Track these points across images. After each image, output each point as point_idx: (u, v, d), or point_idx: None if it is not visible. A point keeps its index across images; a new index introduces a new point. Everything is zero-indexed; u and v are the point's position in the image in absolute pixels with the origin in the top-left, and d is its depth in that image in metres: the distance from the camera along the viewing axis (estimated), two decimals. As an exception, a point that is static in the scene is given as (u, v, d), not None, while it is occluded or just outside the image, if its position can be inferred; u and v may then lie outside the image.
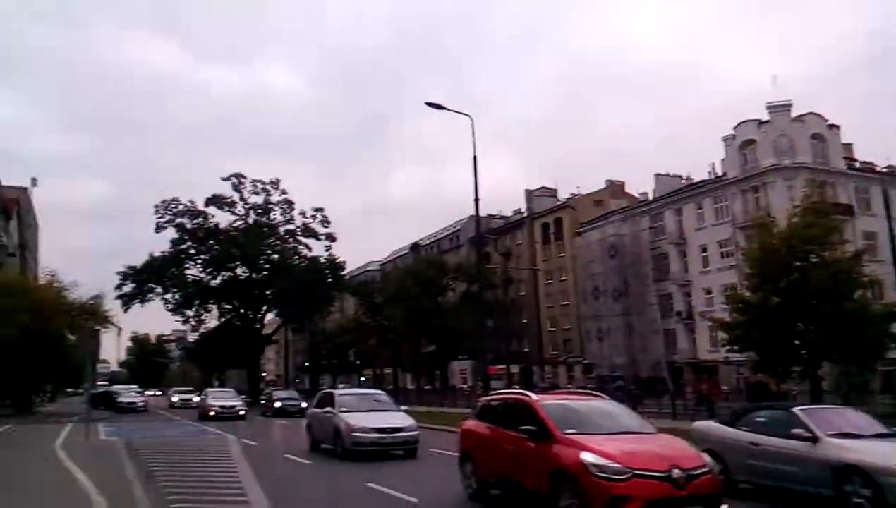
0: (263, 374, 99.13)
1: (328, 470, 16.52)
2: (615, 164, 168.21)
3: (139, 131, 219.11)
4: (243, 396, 45.89)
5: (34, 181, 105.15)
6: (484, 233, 34.69)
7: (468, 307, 69.10)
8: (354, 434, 17.83)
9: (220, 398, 40.96)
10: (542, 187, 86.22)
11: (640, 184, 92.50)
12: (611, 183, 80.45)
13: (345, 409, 19.00)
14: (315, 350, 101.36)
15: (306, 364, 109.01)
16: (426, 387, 74.27)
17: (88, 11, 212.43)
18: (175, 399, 61.09)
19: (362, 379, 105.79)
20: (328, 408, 19.52)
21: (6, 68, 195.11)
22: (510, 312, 78.14)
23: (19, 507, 10.88)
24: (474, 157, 27.04)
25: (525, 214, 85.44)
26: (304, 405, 38.57)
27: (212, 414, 37.25)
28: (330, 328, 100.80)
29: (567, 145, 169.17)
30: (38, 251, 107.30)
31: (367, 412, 18.95)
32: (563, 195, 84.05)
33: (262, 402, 45.54)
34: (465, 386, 71.47)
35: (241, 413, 38.54)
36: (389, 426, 18.25)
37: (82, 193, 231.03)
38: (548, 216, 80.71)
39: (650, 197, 70.01)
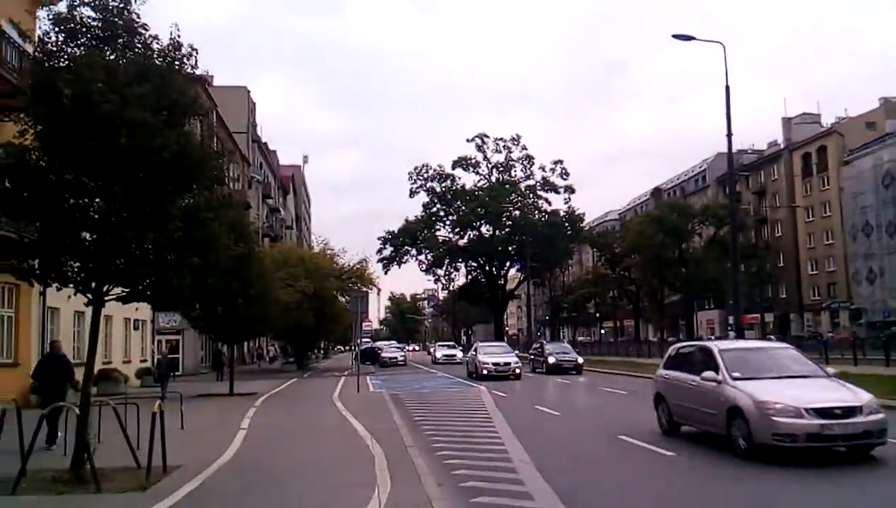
0: (506, 328, 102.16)
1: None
2: (892, 80, 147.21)
3: (388, 105, 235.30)
4: (516, 351, 39.01)
5: (306, 158, 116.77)
6: (736, 170, 32.23)
7: (716, 252, 65.38)
8: (776, 419, 10.13)
9: (494, 353, 34.54)
10: (803, 114, 77.77)
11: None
12: (885, 100, 69.82)
13: (740, 375, 11.33)
14: (555, 303, 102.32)
15: (546, 317, 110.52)
16: (669, 339, 71.68)
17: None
18: (439, 355, 57.11)
19: (602, 331, 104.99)
20: (707, 373, 11.76)
21: (280, 56, 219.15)
22: (765, 256, 72.43)
23: (314, 447, 12.38)
24: (727, 87, 25.30)
25: (782, 146, 77.96)
26: (580, 360, 36.63)
27: (485, 372, 32.13)
28: (569, 281, 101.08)
29: (830, 64, 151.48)
30: (311, 221, 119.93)
31: (780, 379, 11.23)
32: (826, 120, 75.46)
33: (532, 357, 39.93)
34: (712, 337, 67.80)
35: (518, 371, 32.59)
36: (836, 405, 10.33)
37: (343, 166, 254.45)
38: (809, 145, 72.65)
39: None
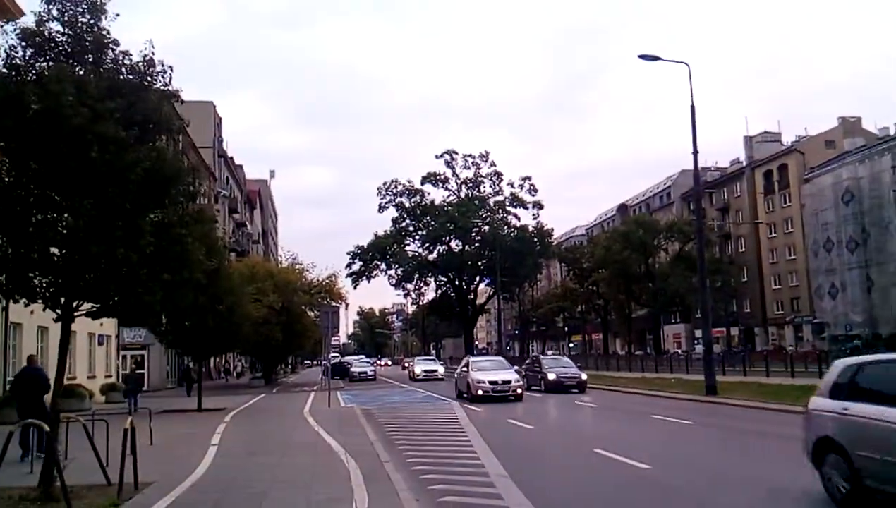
0: (476, 342, 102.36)
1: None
2: (849, 100, 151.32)
3: (357, 121, 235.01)
4: (515, 367, 32.18)
5: (272, 173, 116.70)
6: (701, 187, 32.71)
7: (682, 267, 66.41)
8: None
9: (489, 370, 28.42)
10: (764, 132, 79.56)
11: (881, 119, 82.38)
12: (843, 120, 72.04)
13: None
14: (524, 318, 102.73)
15: (516, 331, 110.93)
16: (637, 352, 72.39)
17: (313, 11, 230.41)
18: (418, 370, 49.61)
19: (571, 345, 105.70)
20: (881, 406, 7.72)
21: (248, 71, 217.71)
22: (729, 271, 73.66)
23: (287, 463, 12.24)
24: (692, 107, 25.89)
25: (744, 163, 79.57)
26: (583, 376, 31.63)
27: (480, 393, 26.59)
28: (538, 296, 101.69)
29: (790, 84, 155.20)
30: (278, 236, 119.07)
31: None
32: (787, 139, 77.28)
33: (526, 373, 33.39)
34: (679, 351, 68.66)
35: (519, 391, 27.26)
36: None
37: (310, 181, 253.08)
38: (771, 163, 74.32)
39: (892, 132, 62.09)
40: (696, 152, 26.52)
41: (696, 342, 71.75)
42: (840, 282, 61.41)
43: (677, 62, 26.59)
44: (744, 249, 78.06)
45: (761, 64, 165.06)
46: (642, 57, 26.44)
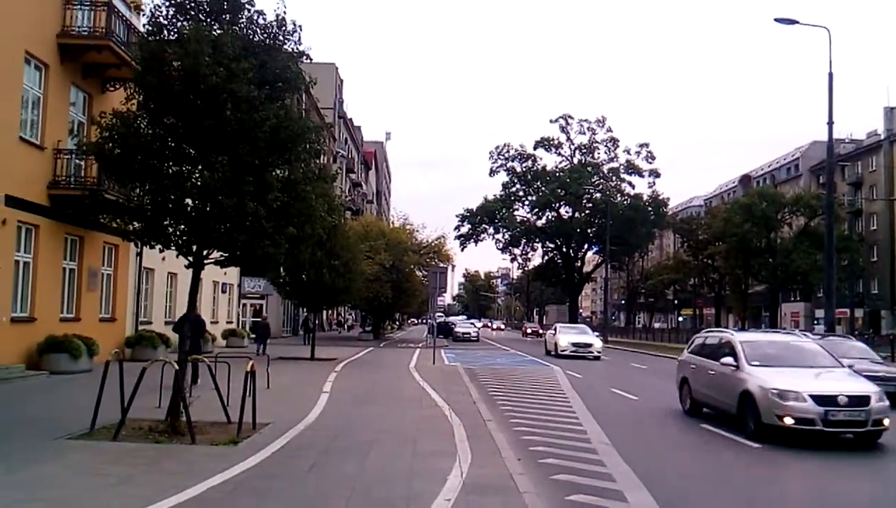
0: (580, 311, 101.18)
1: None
2: None
3: (472, 84, 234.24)
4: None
5: (388, 135, 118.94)
6: (834, 160, 30.72)
7: (806, 244, 62.79)
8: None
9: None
10: (906, 103, 73.60)
11: None
12: None
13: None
14: (632, 288, 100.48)
15: (622, 301, 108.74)
16: (751, 330, 69.37)
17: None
18: (564, 342, 34.19)
19: (680, 319, 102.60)
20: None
21: (366, 34, 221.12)
22: (857, 249, 69.03)
23: (394, 414, 12.71)
24: (830, 74, 24.30)
25: (883, 136, 73.94)
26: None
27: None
28: (649, 267, 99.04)
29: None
30: (391, 197, 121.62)
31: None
32: (931, 109, 71.08)
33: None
34: (796, 331, 65.24)
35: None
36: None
37: (425, 144, 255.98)
38: (912, 136, 68.74)
39: None
40: (831, 122, 24.87)
41: (815, 322, 68.04)
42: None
43: (817, 26, 25.00)
44: (875, 227, 72.94)
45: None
46: (779, 20, 24.94)
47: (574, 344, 33.09)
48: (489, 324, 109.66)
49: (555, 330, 37.04)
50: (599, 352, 32.73)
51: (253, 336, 31.69)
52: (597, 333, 39.56)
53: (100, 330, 20.41)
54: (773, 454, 10.46)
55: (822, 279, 38.54)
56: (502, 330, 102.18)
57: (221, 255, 10.69)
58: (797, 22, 24.72)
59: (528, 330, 75.43)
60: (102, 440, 9.25)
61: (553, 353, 33.40)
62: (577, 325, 42.56)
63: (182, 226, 10.23)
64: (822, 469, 9.86)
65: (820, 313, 60.48)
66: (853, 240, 68.80)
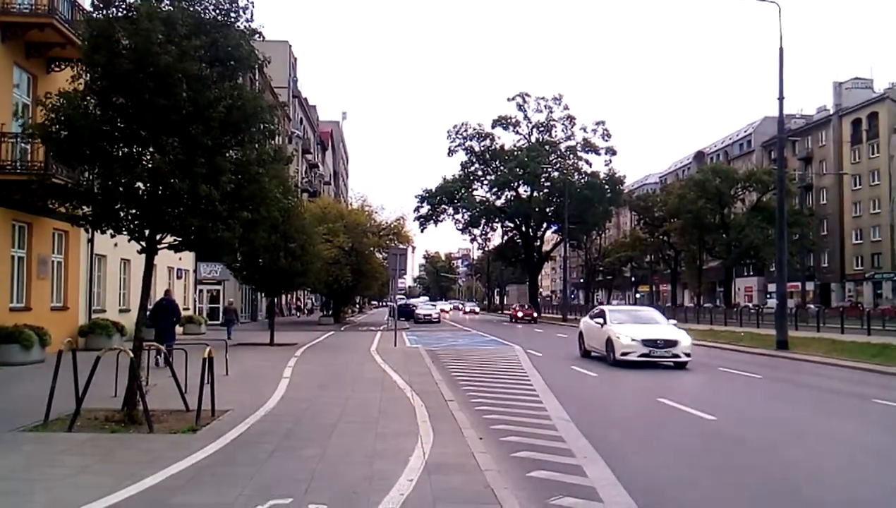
0: (540, 290, 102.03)
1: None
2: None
3: (432, 64, 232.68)
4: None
5: (344, 115, 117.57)
6: (784, 135, 31.38)
7: (758, 219, 64.25)
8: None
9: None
10: (855, 78, 75.39)
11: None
12: (941, 67, 67.52)
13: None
14: (591, 266, 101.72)
15: (581, 280, 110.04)
16: (706, 305, 70.90)
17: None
18: (625, 339, 19.52)
19: (638, 295, 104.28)
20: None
21: (321, 12, 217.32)
22: (808, 223, 70.91)
23: (356, 397, 12.67)
24: (780, 49, 24.70)
25: (832, 111, 75.75)
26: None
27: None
28: (606, 244, 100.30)
29: (885, 26, 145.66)
30: (348, 178, 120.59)
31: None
32: (879, 86, 73.00)
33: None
34: (750, 305, 66.86)
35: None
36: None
37: (382, 124, 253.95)
38: (860, 111, 70.54)
39: None
40: (781, 98, 25.36)
41: (768, 296, 69.80)
42: (927, 239, 58.72)
43: (767, 1, 25.35)
44: (825, 201, 74.96)
45: (854, 5, 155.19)
46: (728, -6, 25.25)
47: (646, 342, 19.10)
48: (460, 307, 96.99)
49: (602, 316, 21.74)
50: (688, 354, 19.28)
51: (219, 322, 32.06)
52: (673, 321, 22.76)
53: (51, 319, 19.89)
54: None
55: (774, 253, 39.47)
56: (476, 313, 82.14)
57: (175, 240, 10.47)
58: (747, -4, 25.03)
59: (520, 313, 59.05)
60: (57, 431, 9.05)
61: (610, 359, 19.71)
62: (641, 309, 25.49)
63: (133, 211, 9.97)
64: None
65: (773, 287, 62.04)
66: (804, 215, 70.65)
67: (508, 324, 52.46)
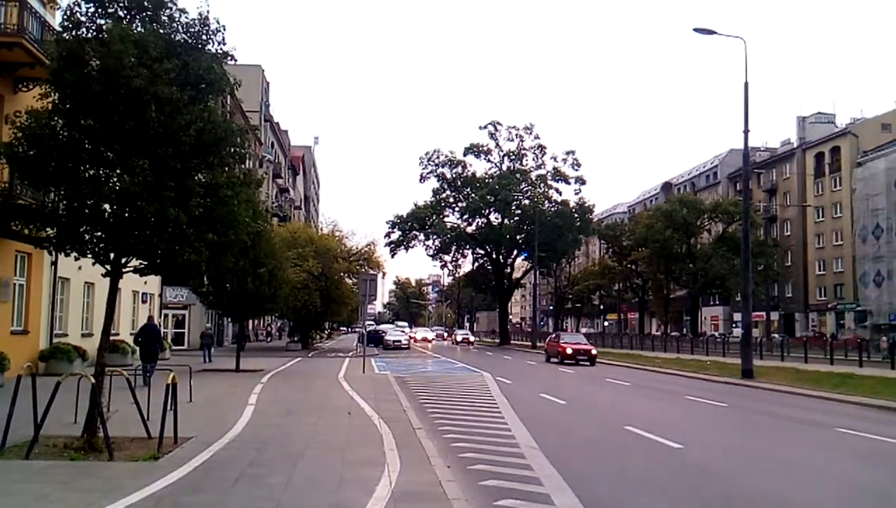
0: (510, 317, 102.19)
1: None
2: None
3: (404, 91, 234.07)
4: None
5: (316, 140, 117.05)
6: (750, 167, 32.04)
7: (724, 249, 65.25)
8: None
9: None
10: (818, 113, 77.38)
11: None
12: (902, 102, 69.70)
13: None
14: (560, 294, 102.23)
15: (551, 307, 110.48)
16: (673, 334, 71.65)
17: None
18: None
19: (606, 323, 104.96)
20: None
21: (294, 38, 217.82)
22: (773, 254, 72.19)
23: (322, 425, 12.51)
24: (745, 84, 25.37)
25: (796, 145, 77.55)
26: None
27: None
28: (576, 272, 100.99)
29: (847, 63, 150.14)
30: (320, 203, 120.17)
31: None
32: (841, 121, 75.04)
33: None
34: (716, 334, 67.67)
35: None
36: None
37: (354, 150, 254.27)
38: (823, 145, 72.23)
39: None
40: (746, 131, 25.96)
41: (734, 325, 70.67)
42: (887, 271, 59.95)
43: (734, 36, 26.11)
44: (789, 233, 76.44)
45: (817, 42, 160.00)
46: (697, 30, 25.87)
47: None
48: (445, 335, 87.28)
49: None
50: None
51: (183, 347, 33.66)
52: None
53: (11, 343, 19.38)
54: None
55: (739, 283, 40.08)
56: (471, 343, 72.46)
57: (140, 263, 10.33)
58: (715, 32, 25.70)
59: (459, 338, 71.63)
60: (14, 458, 8.81)
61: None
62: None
63: (99, 233, 9.82)
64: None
65: (738, 316, 62.86)
66: (768, 246, 71.92)
67: (477, 351, 52.57)
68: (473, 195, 69.20)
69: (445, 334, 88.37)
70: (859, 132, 68.71)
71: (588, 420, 15.51)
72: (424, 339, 69.41)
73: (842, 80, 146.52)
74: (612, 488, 8.68)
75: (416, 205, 71.07)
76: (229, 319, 35.83)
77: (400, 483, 7.95)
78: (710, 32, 25.68)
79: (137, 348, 20.59)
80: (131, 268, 10.34)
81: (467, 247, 73.80)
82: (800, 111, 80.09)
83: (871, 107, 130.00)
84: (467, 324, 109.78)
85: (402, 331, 64.05)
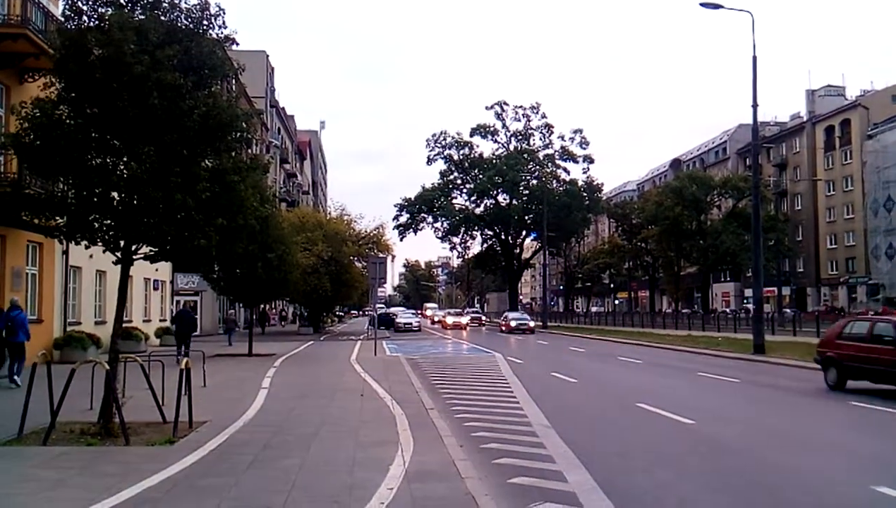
0: (520, 297, 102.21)
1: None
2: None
3: (411, 72, 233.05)
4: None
5: (322, 124, 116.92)
6: (759, 142, 31.79)
7: (734, 225, 64.95)
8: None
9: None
10: (827, 86, 76.63)
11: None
12: (911, 74, 68.93)
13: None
14: (570, 273, 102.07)
15: (561, 287, 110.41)
16: (684, 311, 71.42)
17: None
18: None
19: (617, 302, 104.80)
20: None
21: (300, 21, 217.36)
22: (784, 229, 71.78)
23: (335, 407, 12.61)
24: (754, 58, 25.12)
25: (805, 118, 76.82)
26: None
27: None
28: (585, 251, 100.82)
29: (857, 34, 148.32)
30: (327, 187, 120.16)
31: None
32: (851, 93, 74.30)
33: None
34: (727, 310, 67.43)
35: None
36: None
37: (360, 134, 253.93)
38: (833, 118, 71.49)
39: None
40: (755, 105, 25.71)
41: (745, 301, 70.44)
42: (899, 243, 59.54)
43: (741, 10, 25.77)
44: (800, 207, 75.94)
45: (826, 15, 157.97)
46: (704, 5, 25.54)
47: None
48: (460, 318, 63.07)
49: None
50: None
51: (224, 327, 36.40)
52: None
53: (25, 332, 19.53)
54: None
55: (750, 259, 39.91)
56: (484, 322, 67.04)
57: (151, 250, 10.37)
58: (721, 7, 25.38)
59: (468, 318, 61.28)
60: (32, 445, 8.92)
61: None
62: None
63: (108, 221, 9.86)
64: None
65: (749, 292, 62.70)
66: (779, 221, 71.45)
67: (488, 333, 52.57)
68: (481, 176, 69.06)
69: (483, 317, 73.38)
70: (869, 104, 67.94)
71: (600, 397, 15.53)
72: (457, 325, 58.29)
73: (851, 53, 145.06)
74: (625, 464, 8.71)
75: (423, 188, 71.05)
76: (241, 305, 36.04)
77: (413, 462, 8.00)
78: (717, 7, 25.36)
79: (173, 327, 24.59)
80: (142, 255, 10.38)
81: (476, 228, 73.72)
82: (809, 84, 79.15)
83: (881, 80, 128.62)
84: (477, 305, 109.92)
85: (413, 314, 64.22)
